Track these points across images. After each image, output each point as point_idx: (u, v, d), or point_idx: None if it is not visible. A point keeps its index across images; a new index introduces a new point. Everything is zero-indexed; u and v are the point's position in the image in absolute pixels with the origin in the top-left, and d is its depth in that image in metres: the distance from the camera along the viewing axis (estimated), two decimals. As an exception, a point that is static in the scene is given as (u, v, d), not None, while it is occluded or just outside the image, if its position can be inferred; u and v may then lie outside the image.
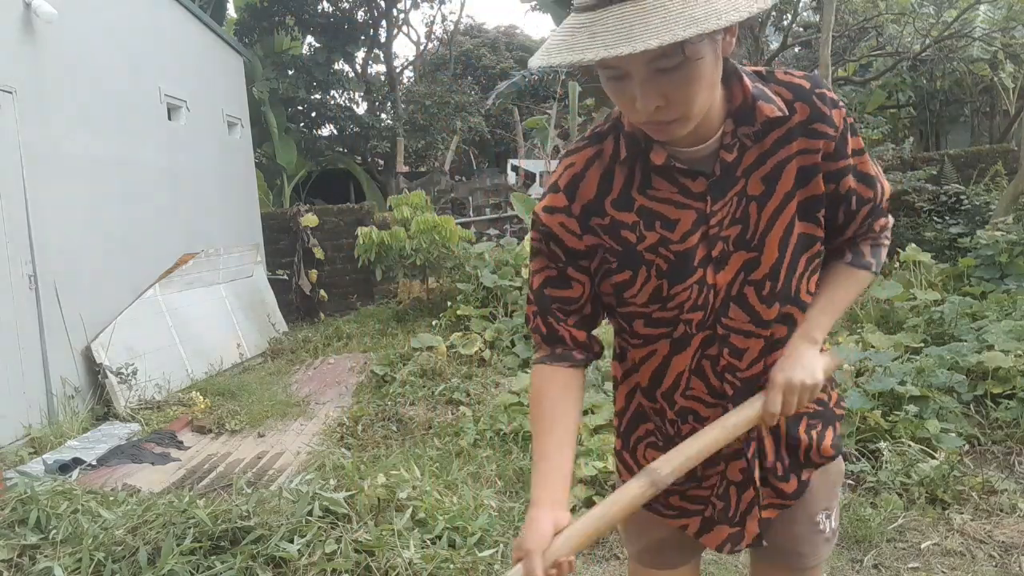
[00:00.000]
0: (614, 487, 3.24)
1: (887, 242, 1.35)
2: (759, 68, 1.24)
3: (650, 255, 1.21)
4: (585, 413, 4.16)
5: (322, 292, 10.25)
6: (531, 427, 1.31)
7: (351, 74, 16.37)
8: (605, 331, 2.03)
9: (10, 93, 5.13)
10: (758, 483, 1.30)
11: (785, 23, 12.91)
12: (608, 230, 1.23)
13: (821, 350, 1.30)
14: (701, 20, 0.95)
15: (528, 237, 6.77)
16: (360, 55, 16.54)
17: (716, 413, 1.27)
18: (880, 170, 1.31)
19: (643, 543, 1.46)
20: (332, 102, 15.74)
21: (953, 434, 3.61)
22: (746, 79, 1.17)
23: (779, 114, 1.17)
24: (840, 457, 1.41)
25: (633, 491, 1.19)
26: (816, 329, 1.27)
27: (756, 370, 1.26)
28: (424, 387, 5.53)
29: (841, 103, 1.22)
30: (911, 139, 13.43)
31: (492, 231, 11.84)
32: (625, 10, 0.98)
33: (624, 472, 1.44)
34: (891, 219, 1.36)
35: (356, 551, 2.51)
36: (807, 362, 1.24)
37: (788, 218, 1.20)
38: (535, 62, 1.07)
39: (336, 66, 15.28)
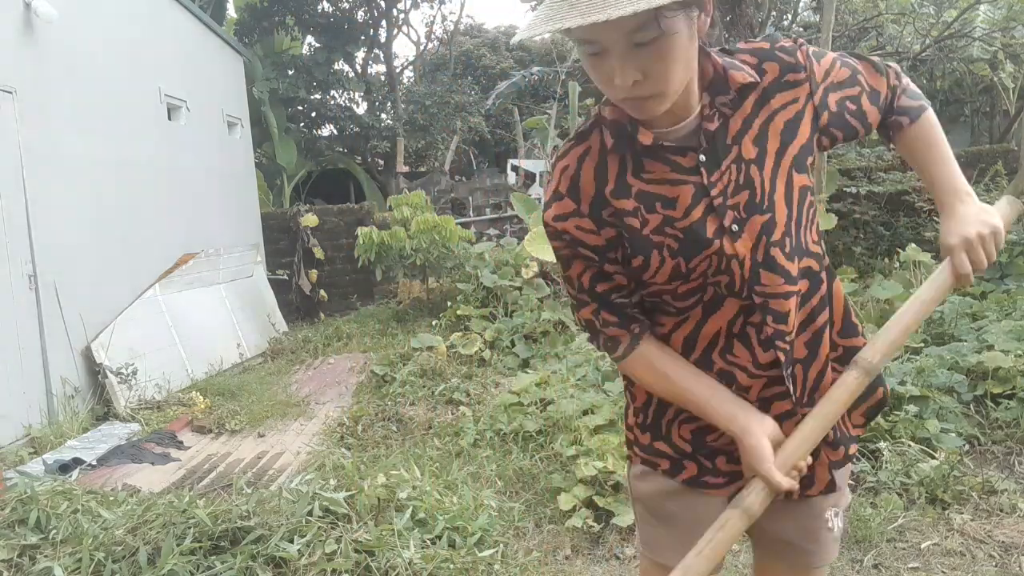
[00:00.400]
0: (615, 487, 3.22)
1: (907, 81, 1.36)
2: (721, 48, 1.28)
3: (658, 237, 1.23)
4: (585, 413, 4.16)
5: (322, 292, 10.25)
6: (675, 393, 1.31)
7: (351, 74, 16.37)
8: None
9: (10, 93, 5.13)
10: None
11: (785, 23, 12.90)
12: (614, 219, 1.26)
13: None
14: None
15: (549, 247, 6.74)
16: (360, 55, 16.54)
17: (759, 383, 1.28)
18: (860, 61, 1.33)
19: (671, 539, 1.39)
20: (332, 102, 15.74)
21: (953, 434, 3.61)
22: (713, 54, 1.22)
23: (751, 79, 1.21)
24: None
25: (849, 382, 1.23)
26: (957, 180, 1.29)
27: (802, 334, 1.27)
28: (424, 387, 5.53)
29: (801, 42, 1.27)
30: (911, 139, 13.43)
31: (492, 231, 11.84)
32: None
33: (662, 461, 1.39)
34: (896, 66, 1.36)
35: (356, 551, 2.51)
36: (974, 215, 1.25)
37: (786, 174, 1.23)
38: (518, 37, 1.11)
39: (336, 66, 15.28)
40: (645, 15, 1.03)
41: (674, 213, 1.22)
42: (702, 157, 1.21)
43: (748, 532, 1.40)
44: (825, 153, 8.24)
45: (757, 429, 1.23)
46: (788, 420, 1.30)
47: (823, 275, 1.29)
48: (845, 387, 1.24)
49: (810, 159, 1.25)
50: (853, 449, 1.38)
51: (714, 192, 1.21)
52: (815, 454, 1.31)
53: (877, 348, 1.24)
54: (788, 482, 1.20)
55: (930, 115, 1.33)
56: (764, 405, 1.30)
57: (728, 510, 1.23)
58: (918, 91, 1.35)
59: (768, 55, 1.24)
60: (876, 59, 1.35)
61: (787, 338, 1.25)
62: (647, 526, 1.46)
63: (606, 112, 1.24)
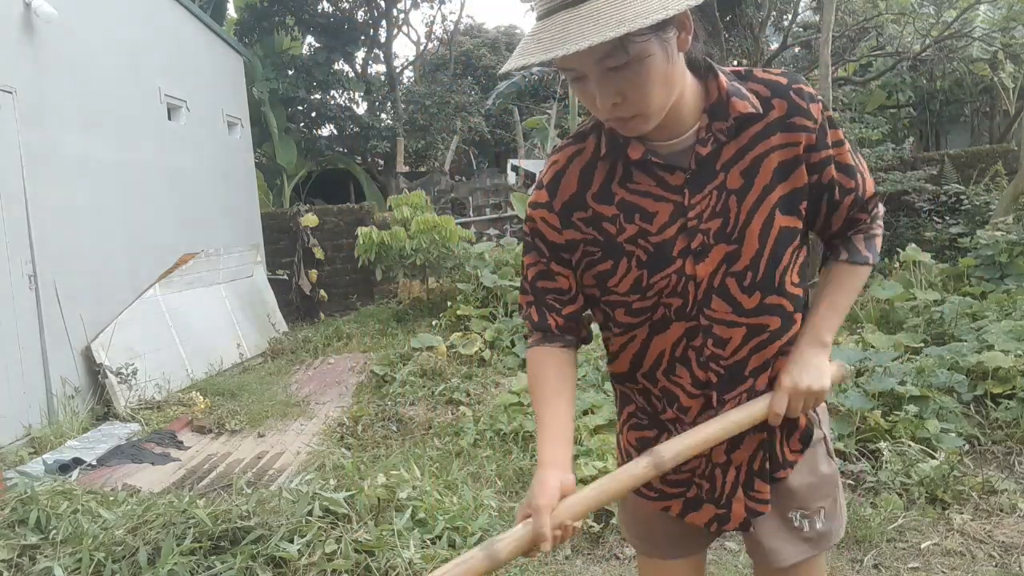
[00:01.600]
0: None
1: (880, 231, 1.37)
2: (739, 68, 1.28)
3: (630, 246, 1.26)
4: (585, 413, 4.16)
5: (322, 292, 10.25)
6: (533, 401, 1.37)
7: (351, 74, 16.37)
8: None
9: (10, 93, 5.14)
10: (742, 464, 1.33)
11: (785, 23, 12.91)
12: (590, 222, 1.28)
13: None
14: (628, 21, 1.02)
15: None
16: (360, 55, 16.54)
17: (698, 403, 1.31)
18: (863, 163, 1.33)
19: (637, 530, 1.50)
20: (332, 102, 15.74)
21: (953, 434, 3.61)
22: (722, 76, 1.21)
23: (752, 110, 1.21)
24: (831, 463, 1.42)
25: (635, 469, 1.25)
26: (825, 332, 1.31)
27: (739, 357, 1.28)
28: (424, 387, 5.53)
29: (819, 98, 1.26)
30: (911, 139, 13.43)
31: (492, 231, 11.84)
32: (565, 17, 1.06)
33: (619, 456, 1.49)
34: (881, 208, 1.38)
35: (356, 551, 2.51)
36: (815, 367, 1.28)
37: (767, 211, 1.23)
38: (503, 70, 1.17)
39: (336, 66, 15.28)
40: (613, 42, 1.04)
41: (649, 227, 1.25)
42: (688, 177, 1.23)
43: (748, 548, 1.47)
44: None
45: (558, 471, 1.22)
46: (718, 445, 1.32)
47: (797, 316, 1.31)
48: (630, 470, 1.25)
49: (804, 204, 1.25)
50: (784, 474, 1.37)
51: (691, 214, 1.23)
52: (731, 493, 1.34)
53: (673, 447, 1.26)
54: (547, 531, 1.16)
55: (863, 270, 1.35)
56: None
57: (476, 548, 1.21)
58: (877, 247, 1.37)
59: (782, 91, 1.23)
60: (873, 194, 1.34)
61: (721, 362, 1.28)
62: (621, 516, 1.57)
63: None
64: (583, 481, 3.37)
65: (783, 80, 1.24)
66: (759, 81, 1.24)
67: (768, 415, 1.28)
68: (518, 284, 7.33)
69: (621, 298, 1.29)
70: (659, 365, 1.32)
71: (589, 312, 1.39)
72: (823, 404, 1.41)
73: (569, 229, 1.29)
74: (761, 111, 1.22)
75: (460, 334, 6.61)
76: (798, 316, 1.31)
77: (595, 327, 1.43)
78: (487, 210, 13.18)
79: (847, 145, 1.29)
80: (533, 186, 1.37)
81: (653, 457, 1.25)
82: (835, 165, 1.27)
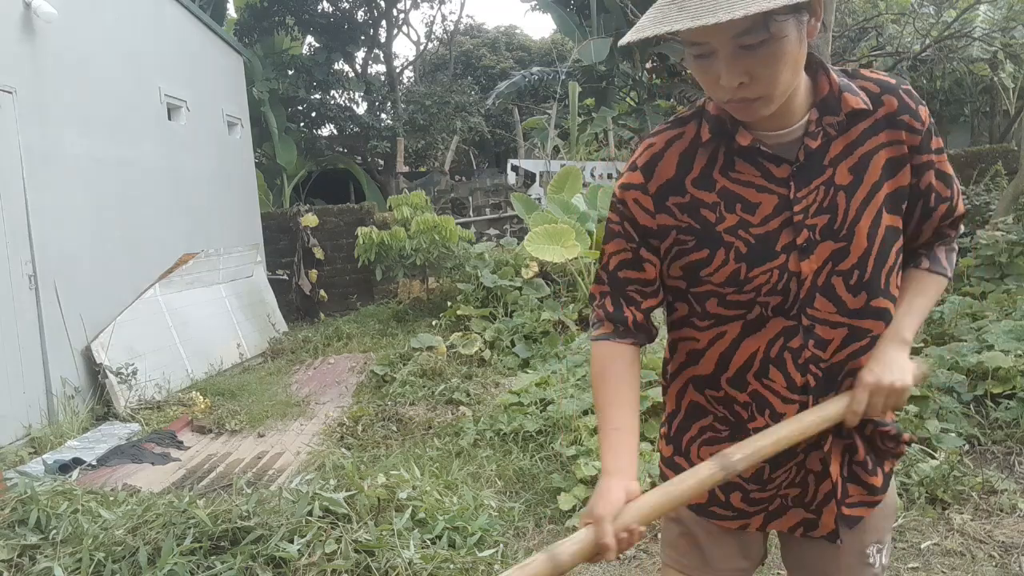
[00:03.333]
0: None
1: (957, 248, 1.37)
2: (846, 68, 1.27)
3: (729, 236, 1.22)
4: (585, 413, 4.16)
5: (322, 292, 10.25)
6: (597, 399, 1.31)
7: (351, 74, 16.38)
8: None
9: (10, 93, 5.14)
10: (835, 478, 1.29)
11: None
12: (687, 208, 1.24)
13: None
14: None
15: (550, 247, 6.78)
16: (360, 55, 16.55)
17: (794, 409, 1.25)
18: (953, 174, 1.32)
19: (689, 551, 1.42)
20: (332, 102, 15.75)
21: (953, 434, 3.61)
22: (832, 72, 1.20)
23: (863, 106, 1.20)
24: (893, 490, 1.39)
25: (702, 473, 1.19)
26: (906, 330, 1.26)
27: (837, 359, 1.25)
28: (424, 387, 5.53)
29: (925, 104, 1.25)
30: (911, 139, 13.43)
31: (492, 231, 11.84)
32: None
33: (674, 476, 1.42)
34: (962, 227, 1.36)
35: (356, 551, 2.51)
36: (898, 365, 1.22)
37: (876, 208, 1.20)
38: (626, 39, 1.11)
39: (336, 66, 15.29)
40: (754, 18, 1.03)
41: (751, 218, 1.22)
42: (795, 170, 1.20)
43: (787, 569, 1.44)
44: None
45: (622, 479, 1.19)
46: (815, 451, 1.29)
47: None
48: (697, 474, 1.19)
49: (906, 205, 1.24)
50: (876, 480, 1.33)
51: (797, 208, 1.20)
52: (823, 502, 1.31)
53: (743, 449, 1.20)
54: (610, 538, 1.13)
55: (942, 280, 1.33)
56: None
57: (539, 553, 1.18)
58: (954, 261, 1.36)
59: (892, 89, 1.22)
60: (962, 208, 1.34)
61: (821, 364, 1.24)
62: (667, 529, 1.47)
63: (710, 107, 1.23)
64: (584, 482, 3.38)
65: (892, 80, 1.23)
66: (868, 79, 1.23)
67: (846, 415, 1.22)
68: (518, 284, 7.42)
69: (715, 288, 1.25)
70: (750, 367, 1.27)
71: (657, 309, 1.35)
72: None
73: (663, 214, 1.25)
74: (871, 107, 1.20)
75: (460, 334, 6.61)
76: None
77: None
78: (487, 210, 13.18)
79: (945, 155, 1.27)
80: (624, 169, 1.33)
81: (721, 460, 1.19)
82: (935, 172, 1.25)
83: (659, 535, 1.60)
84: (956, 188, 1.30)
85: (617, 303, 1.31)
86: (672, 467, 1.40)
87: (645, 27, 1.07)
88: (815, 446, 1.28)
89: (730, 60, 1.08)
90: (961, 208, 1.31)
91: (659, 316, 1.41)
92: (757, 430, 1.25)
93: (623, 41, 1.14)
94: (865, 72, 1.25)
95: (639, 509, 1.16)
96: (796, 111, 1.19)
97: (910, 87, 1.24)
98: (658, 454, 1.49)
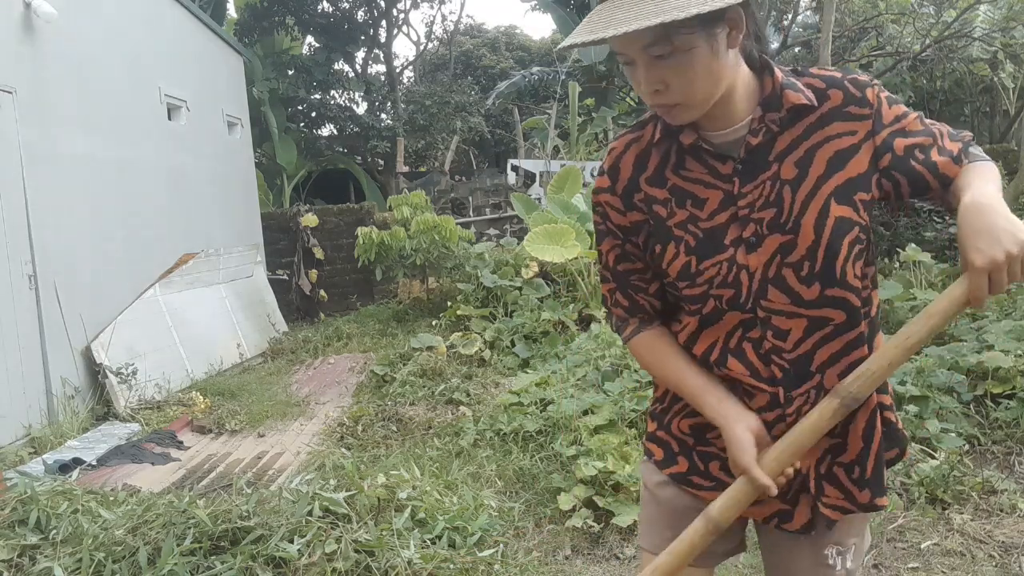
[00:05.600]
0: (615, 487, 3.23)
1: (975, 148, 1.29)
2: (795, 68, 1.31)
3: (679, 231, 1.29)
4: (585, 413, 4.16)
5: (322, 292, 10.25)
6: (670, 384, 1.38)
7: (351, 74, 16.38)
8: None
9: (10, 93, 5.13)
10: (807, 471, 1.30)
11: (785, 23, 12.91)
12: (643, 204, 1.33)
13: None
14: (665, 12, 1.08)
15: (550, 247, 7.04)
16: (360, 55, 16.56)
17: (764, 398, 1.29)
18: (941, 125, 1.29)
19: (662, 529, 1.44)
20: (332, 102, 15.74)
21: (953, 434, 3.61)
22: (778, 72, 1.26)
23: (805, 102, 1.24)
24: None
25: (822, 410, 1.22)
26: (992, 197, 1.14)
27: (803, 350, 1.26)
28: (424, 387, 5.53)
29: (874, 82, 1.27)
30: (911, 139, 13.42)
31: (492, 231, 11.84)
32: (616, 3, 1.14)
33: (657, 450, 1.45)
34: (967, 134, 1.30)
35: (356, 551, 2.51)
36: (1003, 229, 1.08)
37: (822, 201, 1.23)
38: (560, 46, 1.23)
39: (336, 66, 15.29)
40: (657, 32, 1.11)
41: (700, 213, 1.28)
42: (738, 167, 1.25)
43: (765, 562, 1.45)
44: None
45: (742, 422, 1.27)
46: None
47: (865, 312, 1.28)
48: (820, 414, 1.22)
49: (864, 195, 1.24)
50: (864, 497, 1.32)
51: (742, 203, 1.25)
52: (799, 490, 1.32)
53: (859, 377, 1.20)
54: (767, 479, 1.21)
55: (992, 165, 1.27)
56: (768, 428, 1.30)
57: (695, 521, 1.26)
58: (985, 156, 1.29)
59: (836, 83, 1.26)
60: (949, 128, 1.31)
61: (784, 355, 1.27)
62: (644, 510, 1.52)
63: None
64: (584, 482, 3.37)
65: (838, 74, 1.28)
66: (815, 76, 1.27)
67: (970, 302, 1.12)
68: (518, 284, 7.42)
69: (673, 281, 1.32)
70: (709, 356, 1.33)
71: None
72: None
73: (632, 211, 1.34)
74: (815, 103, 1.24)
75: (460, 334, 6.61)
76: (865, 311, 1.27)
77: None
78: (487, 210, 13.18)
79: (913, 114, 1.28)
80: (596, 174, 1.42)
81: (839, 394, 1.21)
82: (902, 135, 1.25)
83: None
84: (939, 132, 1.27)
85: (628, 295, 1.40)
86: (655, 441, 1.47)
87: (568, 38, 1.17)
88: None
89: (646, 69, 1.17)
90: (953, 146, 1.25)
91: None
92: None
93: (559, 48, 1.26)
94: (814, 70, 1.29)
95: (782, 454, 1.23)
96: (739, 111, 1.24)
97: (857, 76, 1.27)
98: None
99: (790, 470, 1.26)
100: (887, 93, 1.28)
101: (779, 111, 1.24)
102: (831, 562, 1.35)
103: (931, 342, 4.75)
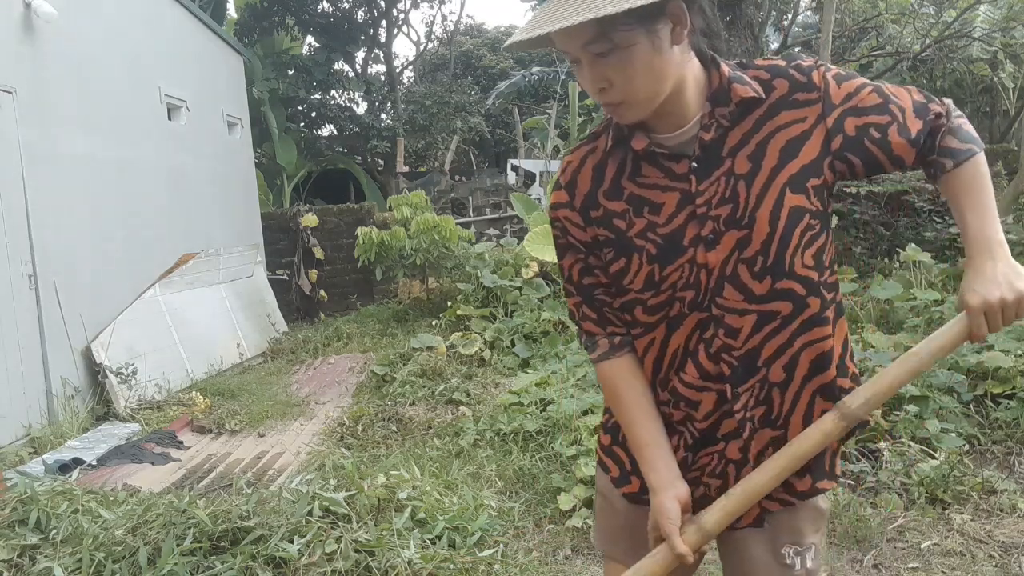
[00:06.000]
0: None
1: (962, 118, 1.25)
2: (740, 61, 1.30)
3: (640, 240, 1.26)
4: (584, 413, 4.16)
5: (322, 292, 10.25)
6: (620, 418, 1.37)
7: (351, 74, 16.38)
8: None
9: (10, 93, 5.13)
10: (752, 462, 1.30)
11: (785, 23, 12.91)
12: (602, 221, 1.30)
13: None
14: (596, 8, 1.07)
15: (550, 247, 6.96)
16: (360, 55, 16.55)
17: (711, 397, 1.28)
18: (901, 92, 1.25)
19: (622, 539, 1.45)
20: (332, 102, 15.75)
21: (953, 434, 3.61)
22: (724, 66, 1.24)
23: (753, 94, 1.22)
24: (822, 497, 1.38)
25: (827, 424, 1.22)
26: (990, 232, 1.21)
27: (751, 346, 1.26)
28: (424, 387, 5.53)
29: (820, 63, 1.25)
30: (911, 139, 13.42)
31: (492, 231, 11.84)
32: (556, 1, 1.13)
33: (613, 467, 1.44)
34: (949, 103, 1.26)
35: (356, 551, 2.51)
36: (1002, 274, 1.16)
37: (776, 192, 1.22)
38: (504, 46, 1.25)
39: (336, 66, 15.29)
40: (596, 29, 1.10)
41: (657, 219, 1.25)
42: (694, 164, 1.23)
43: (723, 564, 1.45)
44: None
45: (671, 491, 1.27)
46: (734, 440, 1.30)
47: (812, 301, 1.25)
48: (821, 429, 1.23)
49: (815, 181, 1.23)
50: (804, 485, 1.33)
51: (699, 201, 1.23)
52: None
53: (861, 395, 1.22)
54: (683, 548, 1.22)
55: (977, 160, 1.24)
56: (713, 426, 1.30)
57: (643, 559, 1.28)
58: (971, 133, 1.25)
59: (781, 72, 1.24)
60: (926, 94, 1.27)
61: (734, 352, 1.26)
62: (602, 516, 1.51)
63: None
64: (584, 482, 3.37)
65: (782, 62, 1.26)
66: (760, 67, 1.26)
67: (969, 339, 1.19)
68: (518, 284, 7.41)
69: (637, 295, 1.29)
70: (673, 365, 1.31)
71: None
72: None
73: (591, 226, 1.31)
74: (763, 95, 1.23)
75: (460, 334, 6.61)
76: (812, 300, 1.25)
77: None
78: (487, 210, 13.19)
79: (868, 88, 1.24)
80: (552, 190, 1.40)
81: (840, 410, 1.21)
82: (854, 114, 1.22)
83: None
84: (897, 106, 1.23)
85: (595, 308, 1.36)
86: (611, 456, 1.45)
87: (512, 37, 1.17)
88: (734, 435, 1.30)
89: (590, 67, 1.16)
90: (915, 123, 1.22)
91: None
92: (679, 421, 1.33)
93: (504, 47, 1.26)
94: (758, 61, 1.28)
95: (706, 525, 1.25)
96: (690, 109, 1.23)
97: (800, 61, 1.25)
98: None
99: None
100: (835, 71, 1.25)
101: (728, 105, 1.22)
102: (789, 561, 1.34)
103: (907, 349, 4.75)
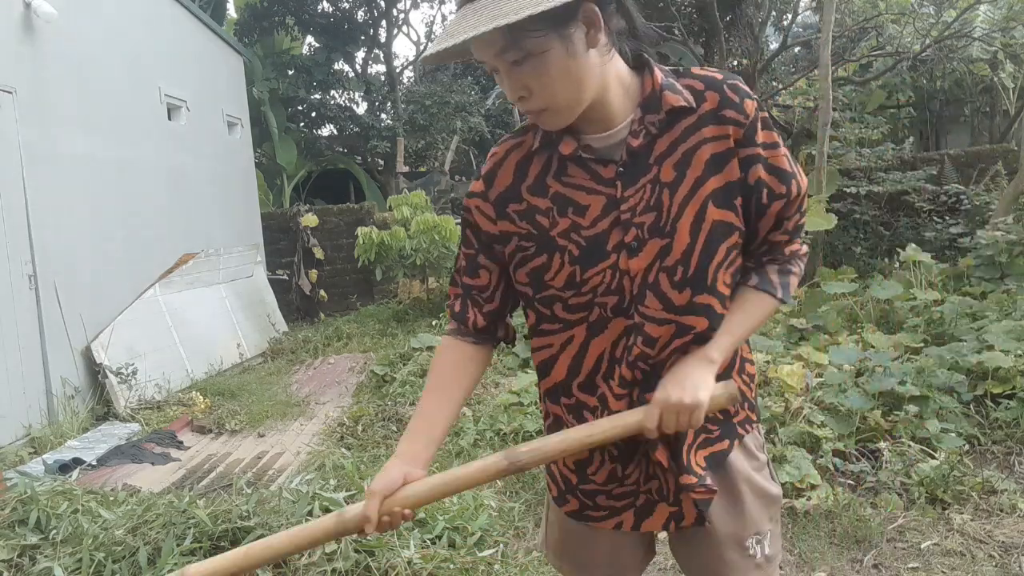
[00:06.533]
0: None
1: (797, 271, 1.34)
2: (678, 67, 1.29)
3: (563, 240, 1.25)
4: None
5: (322, 292, 10.25)
6: (425, 389, 1.39)
7: (351, 74, 16.37)
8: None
9: (10, 93, 5.14)
10: (666, 463, 1.28)
11: (785, 23, 12.90)
12: (525, 215, 1.28)
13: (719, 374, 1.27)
14: (503, 16, 1.05)
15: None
16: (360, 55, 16.54)
17: (624, 404, 1.28)
18: (800, 171, 1.29)
19: (573, 555, 1.45)
20: (332, 102, 15.73)
21: (953, 434, 3.61)
22: (657, 72, 1.23)
23: (684, 103, 1.21)
24: (777, 485, 1.39)
25: (488, 461, 1.25)
26: (713, 349, 1.25)
27: (662, 356, 1.25)
28: (424, 387, 5.53)
29: (755, 97, 1.25)
30: (911, 139, 13.41)
31: (492, 231, 11.83)
32: (463, 12, 1.12)
33: (553, 487, 1.42)
34: (805, 248, 1.35)
35: (356, 551, 2.51)
36: (693, 382, 1.21)
37: (699, 203, 1.21)
38: (421, 61, 1.25)
39: (336, 66, 15.28)
40: (506, 37, 1.09)
41: (582, 220, 1.24)
42: (620, 170, 1.23)
43: (681, 567, 1.44)
44: (825, 153, 8.25)
45: (407, 463, 1.27)
46: (657, 445, 1.28)
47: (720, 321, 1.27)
48: (483, 466, 1.25)
49: (741, 200, 1.23)
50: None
51: (624, 207, 1.22)
52: (677, 490, 1.29)
53: (532, 446, 1.24)
54: (374, 518, 1.22)
55: (770, 303, 1.31)
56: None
57: (333, 512, 1.30)
58: (791, 286, 1.33)
59: (715, 85, 1.22)
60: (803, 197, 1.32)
61: (649, 360, 1.25)
62: (553, 529, 1.49)
63: None
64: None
65: (718, 76, 1.24)
66: (695, 77, 1.24)
67: (642, 429, 1.23)
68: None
69: (558, 293, 1.27)
70: (598, 370, 1.29)
71: (508, 315, 1.41)
72: (757, 425, 1.38)
73: (504, 220, 1.30)
74: (694, 104, 1.21)
75: (460, 334, 6.60)
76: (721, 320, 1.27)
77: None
78: (487, 210, 13.17)
79: (783, 150, 1.26)
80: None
81: (509, 453, 1.24)
82: (764, 166, 1.24)
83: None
84: (796, 184, 1.27)
85: (464, 304, 1.38)
86: (550, 475, 1.43)
87: (427, 51, 1.16)
88: (656, 442, 1.28)
89: (507, 76, 1.15)
90: (799, 218, 1.29)
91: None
92: None
93: (421, 60, 1.26)
94: (695, 70, 1.26)
95: (410, 493, 1.23)
96: (618, 112, 1.22)
97: (738, 82, 1.24)
98: None
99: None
100: (765, 114, 1.25)
101: (658, 113, 1.21)
102: (752, 552, 1.34)
103: (907, 349, 4.75)
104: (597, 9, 1.12)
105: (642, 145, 1.22)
